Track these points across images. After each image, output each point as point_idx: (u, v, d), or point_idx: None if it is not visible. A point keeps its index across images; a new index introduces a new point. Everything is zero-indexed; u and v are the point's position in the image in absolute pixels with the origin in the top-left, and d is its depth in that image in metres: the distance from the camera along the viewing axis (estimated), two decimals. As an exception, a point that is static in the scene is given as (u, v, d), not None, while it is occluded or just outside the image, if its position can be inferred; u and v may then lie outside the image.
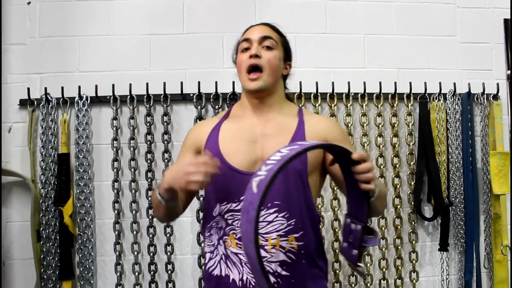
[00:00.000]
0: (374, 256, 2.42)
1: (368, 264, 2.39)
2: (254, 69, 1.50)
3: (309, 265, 1.47)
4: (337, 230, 2.37)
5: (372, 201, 1.28)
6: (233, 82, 2.31)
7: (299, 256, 1.44)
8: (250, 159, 1.47)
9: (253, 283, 1.41)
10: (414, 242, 2.43)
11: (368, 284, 2.38)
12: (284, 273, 1.42)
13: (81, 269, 2.27)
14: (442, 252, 2.44)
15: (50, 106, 2.29)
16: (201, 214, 2.29)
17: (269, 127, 1.52)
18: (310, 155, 1.47)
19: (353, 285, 2.38)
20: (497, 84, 2.48)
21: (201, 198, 2.26)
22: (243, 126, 1.54)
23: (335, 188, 2.37)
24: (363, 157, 1.21)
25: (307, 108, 2.39)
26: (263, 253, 1.40)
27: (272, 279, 1.40)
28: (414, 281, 2.42)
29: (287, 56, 1.62)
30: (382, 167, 2.41)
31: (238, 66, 1.56)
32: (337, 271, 2.37)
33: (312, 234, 1.48)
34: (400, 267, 2.41)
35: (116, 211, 2.30)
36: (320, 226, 2.33)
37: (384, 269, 2.40)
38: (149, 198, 2.30)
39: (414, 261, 2.42)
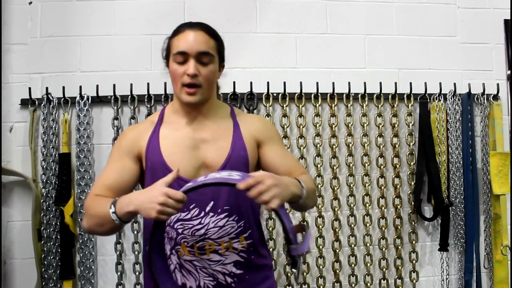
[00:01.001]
0: (374, 256, 2.42)
1: (369, 264, 2.39)
2: (192, 85, 1.46)
3: (257, 258, 1.52)
4: (337, 230, 2.38)
5: (301, 202, 1.38)
6: (234, 82, 2.32)
7: (249, 253, 1.49)
8: (194, 166, 1.47)
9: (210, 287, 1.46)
10: (414, 242, 2.43)
11: (368, 284, 2.39)
12: (238, 272, 1.47)
13: (82, 268, 2.27)
14: (442, 252, 2.45)
15: (51, 105, 2.30)
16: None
17: (207, 132, 1.52)
18: (250, 155, 1.52)
19: (353, 284, 2.38)
20: (497, 85, 2.49)
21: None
22: (182, 133, 1.51)
23: (335, 188, 2.38)
24: (248, 185, 1.22)
25: (307, 109, 2.40)
26: (217, 257, 1.44)
27: (229, 279, 1.46)
28: (414, 281, 2.43)
29: (221, 60, 1.56)
30: (382, 167, 2.41)
31: (172, 75, 1.49)
32: (337, 271, 2.38)
33: (255, 228, 1.53)
34: (400, 267, 2.42)
35: (117, 211, 2.30)
36: (320, 226, 2.36)
37: (384, 269, 2.41)
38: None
39: (414, 261, 2.43)
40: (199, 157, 1.48)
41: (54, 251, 2.26)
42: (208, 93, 1.51)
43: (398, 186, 2.43)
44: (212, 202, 1.43)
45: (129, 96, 2.31)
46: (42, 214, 2.25)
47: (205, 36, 1.48)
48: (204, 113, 1.54)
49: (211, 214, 1.43)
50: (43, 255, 2.25)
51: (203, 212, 1.43)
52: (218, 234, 1.44)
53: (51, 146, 2.29)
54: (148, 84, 2.31)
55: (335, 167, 2.39)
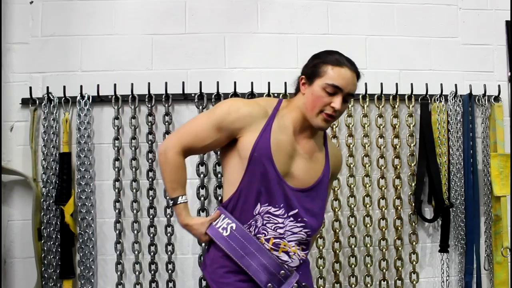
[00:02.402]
0: (374, 257, 2.42)
1: (369, 265, 2.39)
2: (331, 116, 1.57)
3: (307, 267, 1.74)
4: (337, 231, 2.38)
5: None
6: (235, 82, 2.32)
7: (305, 264, 1.69)
8: (285, 171, 1.57)
9: None
10: (414, 243, 2.43)
11: (368, 285, 2.39)
12: (298, 275, 1.60)
13: (82, 268, 2.27)
14: (442, 254, 2.44)
15: (52, 105, 2.30)
16: (201, 214, 2.30)
17: (306, 148, 1.63)
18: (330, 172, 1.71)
19: (353, 285, 2.38)
20: (499, 86, 2.48)
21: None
22: (287, 138, 1.59)
23: (336, 188, 2.38)
24: None
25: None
26: (286, 257, 1.58)
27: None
28: (414, 282, 2.42)
29: None
30: (383, 168, 2.41)
31: (315, 100, 1.55)
32: (337, 272, 2.38)
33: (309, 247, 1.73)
34: (400, 268, 2.41)
35: (117, 211, 2.31)
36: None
37: (384, 270, 2.40)
38: (150, 198, 2.30)
39: (414, 262, 2.43)
40: (290, 165, 1.58)
41: (54, 250, 2.26)
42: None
43: (398, 187, 2.43)
44: (296, 210, 1.58)
45: (130, 96, 2.31)
46: (42, 214, 2.25)
47: (356, 80, 1.59)
48: (309, 130, 1.63)
49: (291, 218, 1.57)
50: (43, 255, 2.25)
51: (286, 214, 1.57)
52: (292, 237, 1.59)
53: (51, 146, 2.29)
54: (149, 83, 2.31)
55: (335, 168, 2.39)
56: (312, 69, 1.58)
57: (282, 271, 1.54)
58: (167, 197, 1.60)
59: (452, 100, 2.44)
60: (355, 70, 1.57)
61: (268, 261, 1.54)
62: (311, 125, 1.59)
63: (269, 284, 1.52)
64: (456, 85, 2.46)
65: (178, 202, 1.61)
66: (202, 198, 2.31)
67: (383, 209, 2.41)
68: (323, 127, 1.59)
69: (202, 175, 2.31)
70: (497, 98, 2.48)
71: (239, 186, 1.57)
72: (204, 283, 2.30)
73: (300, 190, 1.59)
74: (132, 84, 2.31)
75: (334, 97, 1.53)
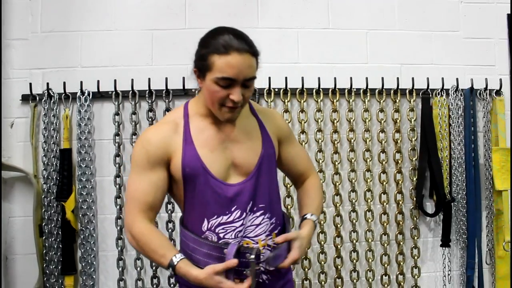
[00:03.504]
0: (375, 251, 2.42)
1: (370, 260, 2.39)
2: (234, 107, 1.42)
3: (285, 251, 1.49)
4: (338, 225, 2.38)
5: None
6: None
7: (278, 249, 1.47)
8: (225, 167, 1.47)
9: None
10: (416, 237, 2.43)
11: (370, 280, 2.39)
12: (271, 268, 1.46)
13: (83, 264, 2.27)
14: (444, 248, 2.44)
15: (52, 101, 2.29)
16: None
17: (235, 131, 1.50)
18: (275, 152, 1.58)
19: (354, 280, 2.38)
20: (500, 80, 2.47)
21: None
22: (210, 133, 1.48)
23: (337, 183, 2.38)
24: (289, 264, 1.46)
25: (309, 104, 2.40)
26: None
27: (264, 276, 1.48)
28: (416, 276, 2.42)
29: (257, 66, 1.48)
30: (384, 162, 2.41)
31: (211, 95, 1.40)
32: (339, 267, 2.38)
33: (282, 224, 1.58)
34: (402, 263, 2.41)
35: (118, 206, 2.31)
36: (322, 222, 2.35)
37: (386, 265, 2.40)
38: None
39: (416, 257, 2.43)
40: (228, 157, 1.48)
41: (55, 246, 2.26)
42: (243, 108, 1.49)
43: (400, 182, 2.42)
44: (251, 202, 1.46)
45: (130, 92, 2.31)
46: (43, 210, 2.25)
47: (251, 59, 1.39)
48: None
49: (249, 213, 1.46)
50: (44, 251, 2.25)
51: (244, 214, 1.45)
52: (255, 232, 1.47)
53: (52, 142, 2.29)
54: (149, 79, 2.30)
55: (336, 163, 2.38)
56: (201, 63, 1.41)
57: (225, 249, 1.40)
58: (168, 269, 1.41)
59: (454, 94, 2.43)
60: (247, 50, 1.37)
61: (209, 248, 1.42)
62: None
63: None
64: (457, 79, 2.45)
65: (176, 263, 1.37)
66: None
67: (385, 203, 2.41)
68: (231, 118, 1.45)
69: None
70: (498, 92, 2.47)
71: (184, 205, 1.49)
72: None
73: (246, 180, 1.47)
74: (132, 80, 2.30)
75: (230, 88, 1.37)
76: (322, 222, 2.37)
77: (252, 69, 1.40)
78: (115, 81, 2.30)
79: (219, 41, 1.37)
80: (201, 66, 1.41)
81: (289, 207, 2.34)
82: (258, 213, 1.47)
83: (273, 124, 1.60)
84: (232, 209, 1.44)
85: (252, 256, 1.36)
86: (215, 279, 1.33)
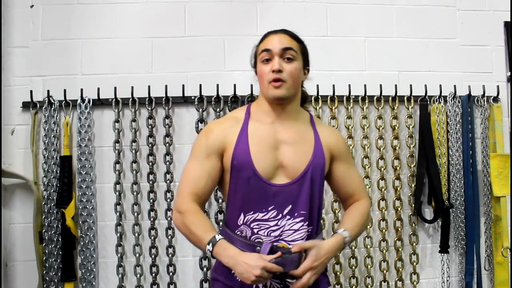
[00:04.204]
0: (374, 258, 2.42)
1: (369, 266, 2.39)
2: (277, 80, 1.54)
3: (298, 258, 1.50)
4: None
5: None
6: (234, 85, 2.33)
7: (291, 255, 1.48)
8: (273, 166, 1.54)
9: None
10: (414, 244, 2.43)
11: (369, 286, 2.39)
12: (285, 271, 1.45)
13: (83, 271, 2.28)
14: (442, 254, 2.45)
15: (52, 108, 2.31)
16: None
17: (289, 134, 1.58)
18: (325, 165, 1.62)
19: (353, 286, 2.39)
20: (497, 87, 2.49)
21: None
22: (267, 132, 1.57)
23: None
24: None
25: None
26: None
27: (278, 286, 1.53)
28: (415, 283, 2.43)
29: (305, 62, 1.66)
30: (382, 169, 2.42)
31: (259, 76, 1.60)
32: (338, 273, 2.38)
33: (316, 234, 1.61)
34: (400, 269, 2.42)
35: (118, 213, 2.31)
36: (321, 228, 2.35)
37: (384, 271, 2.41)
38: (151, 200, 2.31)
39: (414, 263, 2.43)
40: (277, 157, 1.55)
41: (55, 253, 2.27)
42: (293, 90, 1.57)
43: (398, 188, 2.43)
44: (290, 206, 1.51)
45: (130, 99, 2.32)
46: (43, 217, 2.26)
47: (288, 37, 1.59)
48: (287, 115, 1.61)
49: (288, 217, 1.51)
50: (44, 257, 2.26)
51: (280, 215, 1.50)
52: (292, 237, 1.52)
53: (52, 149, 2.30)
54: (149, 87, 2.32)
55: (335, 169, 2.39)
56: (253, 60, 1.67)
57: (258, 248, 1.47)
58: (205, 249, 1.44)
59: (451, 101, 2.45)
60: (282, 31, 1.61)
61: (242, 245, 1.48)
62: (284, 107, 1.59)
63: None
64: (455, 86, 2.47)
65: (218, 240, 1.43)
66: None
67: (383, 210, 2.42)
68: (277, 94, 1.53)
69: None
70: (496, 99, 2.49)
71: (228, 196, 1.58)
72: (205, 285, 2.30)
73: (289, 183, 1.53)
74: (132, 87, 2.31)
75: (268, 61, 1.56)
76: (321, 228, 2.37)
77: (287, 41, 1.57)
78: (115, 88, 2.31)
79: (262, 36, 1.64)
80: (254, 59, 1.64)
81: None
82: (298, 219, 1.52)
83: (329, 138, 1.66)
84: (269, 208, 1.50)
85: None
86: (258, 272, 1.35)
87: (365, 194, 1.75)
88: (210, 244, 1.42)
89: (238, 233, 1.53)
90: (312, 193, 1.55)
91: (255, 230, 1.50)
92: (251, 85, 2.33)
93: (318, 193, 1.59)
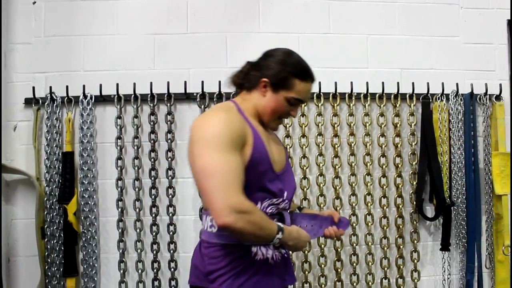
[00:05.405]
0: (375, 255, 2.43)
1: (370, 263, 2.40)
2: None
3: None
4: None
5: None
6: (236, 82, 2.33)
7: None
8: (280, 161, 1.62)
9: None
10: (415, 241, 2.44)
11: (370, 283, 2.40)
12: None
13: (85, 266, 2.29)
14: (443, 252, 2.45)
15: (55, 105, 2.31)
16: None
17: (270, 134, 1.68)
18: None
19: (354, 283, 2.39)
20: (500, 85, 2.48)
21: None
22: (263, 130, 1.61)
23: (337, 187, 2.39)
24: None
25: (309, 108, 2.42)
26: None
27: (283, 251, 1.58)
28: (416, 280, 2.43)
29: None
30: (384, 167, 2.42)
31: (277, 107, 1.58)
32: (339, 270, 2.39)
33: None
34: (401, 266, 2.42)
35: (119, 209, 2.32)
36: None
37: (385, 268, 2.41)
38: (152, 196, 2.33)
39: (415, 261, 2.43)
40: (272, 153, 1.60)
41: (57, 248, 2.28)
42: None
43: (400, 186, 2.44)
44: (286, 192, 1.61)
45: (132, 95, 2.33)
46: (45, 212, 2.27)
47: None
48: None
49: (286, 200, 1.61)
50: (46, 253, 2.27)
51: (281, 199, 1.57)
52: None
53: (54, 145, 2.31)
54: (151, 83, 2.32)
55: (337, 167, 2.40)
56: (280, 80, 1.56)
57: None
58: (274, 239, 1.46)
59: (454, 99, 2.44)
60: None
61: None
62: None
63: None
64: (457, 84, 2.46)
65: (282, 226, 1.48)
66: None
67: (385, 207, 2.42)
68: (276, 129, 1.70)
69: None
70: (498, 97, 2.49)
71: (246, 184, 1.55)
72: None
73: (282, 172, 1.62)
74: (134, 84, 2.32)
75: (294, 106, 1.61)
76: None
77: None
78: (117, 85, 2.32)
79: (301, 66, 1.60)
80: (279, 83, 1.57)
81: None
82: (286, 201, 1.62)
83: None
84: (284, 195, 1.59)
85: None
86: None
87: None
88: (280, 233, 1.46)
89: None
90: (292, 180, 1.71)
91: (268, 210, 1.53)
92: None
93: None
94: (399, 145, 2.44)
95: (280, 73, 1.56)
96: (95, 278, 2.30)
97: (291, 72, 1.57)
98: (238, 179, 1.41)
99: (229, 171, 1.39)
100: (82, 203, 2.29)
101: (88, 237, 2.29)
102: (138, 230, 2.33)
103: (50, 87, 2.31)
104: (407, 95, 2.44)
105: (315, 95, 2.37)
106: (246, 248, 1.49)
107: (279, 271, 1.58)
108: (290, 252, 1.89)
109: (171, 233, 2.33)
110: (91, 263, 2.30)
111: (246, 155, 1.48)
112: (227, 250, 1.50)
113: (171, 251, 2.33)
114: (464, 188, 2.43)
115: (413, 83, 2.43)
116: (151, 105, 2.33)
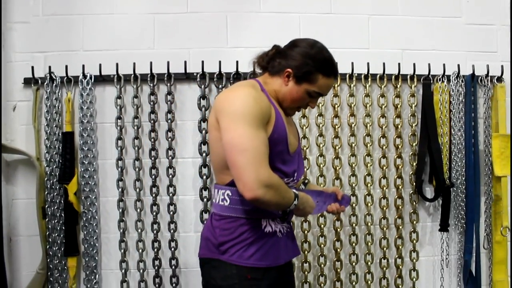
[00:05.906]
0: (375, 235, 2.44)
1: (369, 243, 2.41)
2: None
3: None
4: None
5: None
6: (237, 62, 2.31)
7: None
8: (295, 144, 1.68)
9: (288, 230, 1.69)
10: (415, 222, 2.45)
11: (369, 263, 2.42)
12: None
13: (86, 245, 2.31)
14: (442, 233, 2.47)
15: (54, 84, 2.30)
16: (204, 193, 2.33)
17: (288, 119, 1.72)
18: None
19: (353, 263, 2.41)
20: (502, 66, 2.47)
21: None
22: (281, 112, 1.64)
23: (337, 168, 2.40)
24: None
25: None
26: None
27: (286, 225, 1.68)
28: (414, 260, 2.45)
29: None
30: (384, 147, 2.42)
31: (297, 97, 1.63)
32: (338, 250, 2.40)
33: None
34: (400, 247, 2.44)
35: (120, 189, 2.33)
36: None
37: (384, 248, 2.43)
38: (152, 176, 2.34)
39: (414, 241, 2.45)
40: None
41: (58, 228, 2.29)
42: None
43: (399, 167, 2.44)
44: (296, 173, 1.68)
45: (132, 75, 2.32)
46: (46, 192, 2.28)
47: None
48: None
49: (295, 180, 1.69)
50: (47, 232, 2.28)
51: (292, 178, 1.65)
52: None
53: (54, 125, 2.30)
54: (151, 63, 2.31)
55: (337, 147, 2.40)
56: (304, 74, 1.59)
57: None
58: (292, 204, 1.55)
59: (455, 80, 2.44)
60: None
61: None
62: None
63: None
64: (458, 66, 2.45)
65: (297, 192, 1.57)
66: (204, 177, 2.32)
67: (384, 188, 2.43)
68: (293, 115, 1.75)
69: (204, 154, 2.32)
70: (500, 79, 2.47)
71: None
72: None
73: (295, 153, 1.67)
74: (134, 64, 2.30)
75: (313, 98, 1.66)
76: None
77: None
78: (117, 64, 2.30)
79: (326, 61, 1.63)
80: (302, 76, 1.59)
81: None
82: (296, 180, 1.69)
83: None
84: (295, 176, 1.65)
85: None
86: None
87: None
88: (296, 199, 1.55)
89: None
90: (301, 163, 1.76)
91: None
92: (254, 62, 2.30)
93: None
94: (399, 126, 2.44)
95: (305, 66, 1.59)
96: (96, 257, 2.32)
97: (315, 67, 1.59)
98: (266, 155, 1.46)
99: (258, 146, 1.44)
100: (83, 183, 2.30)
101: (89, 217, 2.30)
102: (138, 210, 2.33)
103: (49, 67, 2.30)
104: (408, 76, 2.43)
105: (315, 75, 2.36)
106: (256, 221, 1.57)
107: (286, 244, 1.64)
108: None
109: (171, 213, 2.34)
110: (92, 243, 2.31)
111: (268, 133, 1.52)
112: (239, 223, 1.56)
113: (172, 231, 2.34)
114: (463, 170, 2.43)
115: (414, 64, 2.42)
116: (151, 85, 2.32)
